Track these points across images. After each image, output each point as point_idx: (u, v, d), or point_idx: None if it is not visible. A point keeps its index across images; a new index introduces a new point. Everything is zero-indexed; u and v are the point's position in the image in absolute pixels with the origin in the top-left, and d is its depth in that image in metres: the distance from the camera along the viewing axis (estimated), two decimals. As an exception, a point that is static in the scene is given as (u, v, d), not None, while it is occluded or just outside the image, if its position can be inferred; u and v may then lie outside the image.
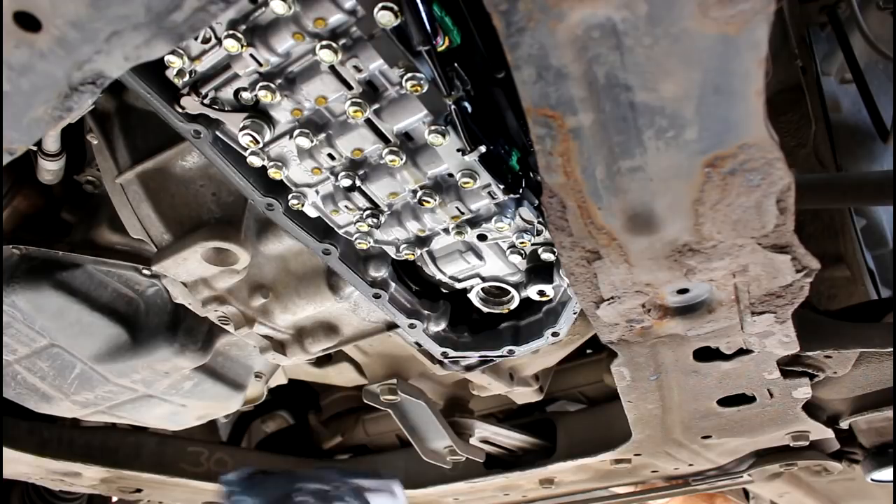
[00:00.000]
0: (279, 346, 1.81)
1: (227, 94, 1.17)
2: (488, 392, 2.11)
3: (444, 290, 1.66)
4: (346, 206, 1.32)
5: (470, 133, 1.12)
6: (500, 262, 1.45)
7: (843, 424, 1.92)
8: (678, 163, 0.91)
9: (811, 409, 1.78)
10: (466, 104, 1.12)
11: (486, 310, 1.59)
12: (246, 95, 1.16)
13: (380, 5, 0.93)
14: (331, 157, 1.22)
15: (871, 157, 2.17)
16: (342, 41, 1.02)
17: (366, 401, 2.05)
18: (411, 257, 1.42)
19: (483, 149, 1.14)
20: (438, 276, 1.51)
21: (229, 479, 0.82)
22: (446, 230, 1.34)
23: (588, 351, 2.45)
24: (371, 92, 1.11)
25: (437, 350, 1.68)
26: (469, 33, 1.08)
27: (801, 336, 1.34)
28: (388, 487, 0.94)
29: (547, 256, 1.40)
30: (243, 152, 1.26)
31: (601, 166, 0.93)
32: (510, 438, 2.40)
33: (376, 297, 1.53)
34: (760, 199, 0.95)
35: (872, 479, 2.06)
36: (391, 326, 1.72)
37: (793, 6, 1.95)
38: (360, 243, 1.41)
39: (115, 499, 3.11)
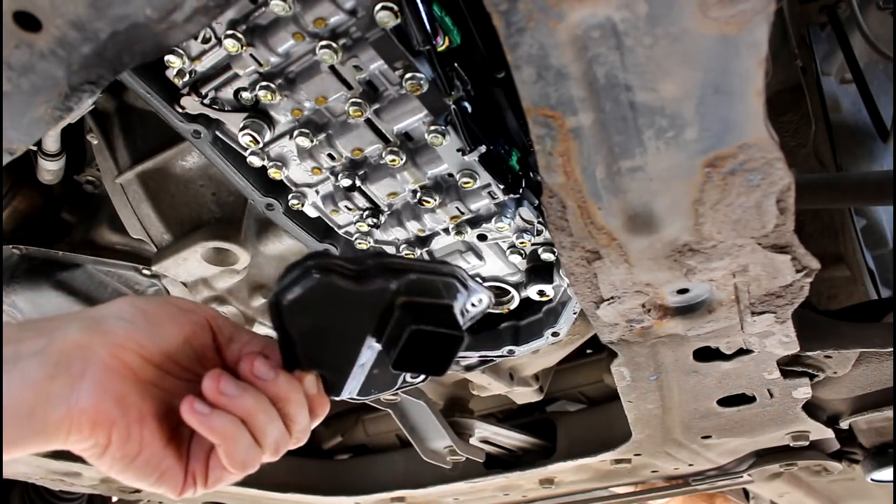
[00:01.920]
0: (279, 346, 1.81)
1: (227, 94, 1.17)
2: (488, 392, 2.11)
3: (444, 290, 1.65)
4: (346, 206, 1.32)
5: (470, 133, 1.12)
6: (500, 262, 1.45)
7: (843, 424, 1.92)
8: (678, 163, 0.91)
9: (811, 409, 1.78)
10: (466, 104, 1.12)
11: (486, 310, 1.59)
12: (246, 95, 1.16)
13: (380, 5, 0.93)
14: (331, 157, 1.23)
15: (871, 157, 2.17)
16: (342, 41, 1.02)
17: (366, 401, 2.04)
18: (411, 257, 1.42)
19: (483, 149, 1.14)
20: (438, 276, 1.51)
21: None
22: (446, 230, 1.34)
23: (588, 351, 2.45)
24: (371, 92, 1.11)
25: (437, 350, 1.67)
26: (469, 33, 1.08)
27: (801, 336, 1.34)
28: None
29: (547, 256, 1.40)
30: (243, 152, 1.26)
31: (601, 166, 0.93)
32: (510, 438, 2.40)
33: (376, 297, 1.53)
34: (760, 199, 0.95)
35: (872, 479, 2.06)
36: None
37: (793, 6, 1.95)
38: (360, 243, 1.41)
39: (115, 499, 3.11)
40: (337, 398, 0.87)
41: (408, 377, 0.93)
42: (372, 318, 0.83)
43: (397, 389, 0.94)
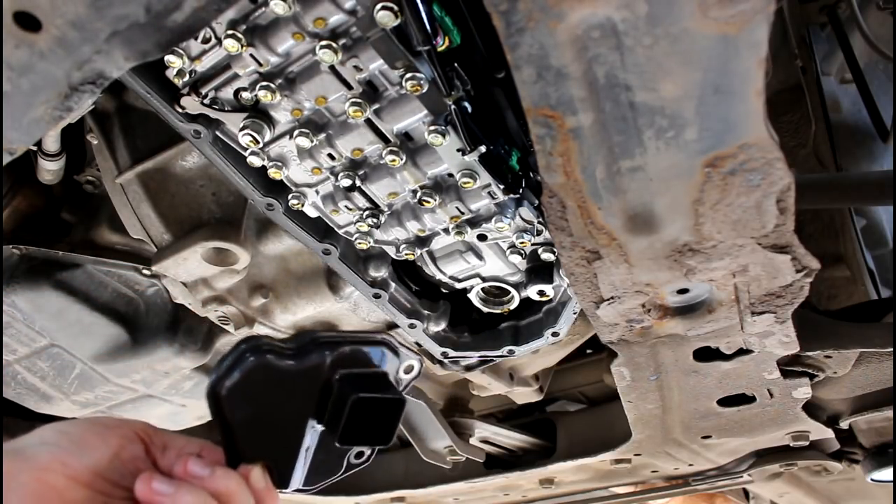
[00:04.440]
0: (279, 346, 1.81)
1: (227, 94, 1.17)
2: (488, 392, 2.11)
3: (444, 290, 1.66)
4: (346, 206, 1.32)
5: (470, 133, 1.12)
6: (500, 262, 1.45)
7: (843, 424, 1.92)
8: (678, 163, 0.91)
9: (811, 409, 1.78)
10: (466, 104, 1.12)
11: (486, 310, 1.59)
12: (246, 95, 1.16)
13: (380, 5, 0.93)
14: (331, 157, 1.23)
15: (871, 157, 2.17)
16: (342, 41, 1.02)
17: (366, 401, 2.04)
18: (411, 257, 1.42)
19: (483, 149, 1.14)
20: (438, 276, 1.51)
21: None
22: (446, 230, 1.34)
23: (588, 351, 2.45)
24: (371, 92, 1.11)
25: (437, 350, 1.68)
26: (469, 33, 1.08)
27: (801, 336, 1.34)
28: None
29: (547, 256, 1.40)
30: (243, 152, 1.26)
31: (601, 166, 0.93)
32: (510, 438, 2.40)
33: (376, 297, 1.53)
34: (760, 199, 0.95)
35: (872, 479, 2.06)
36: (391, 326, 1.72)
37: (793, 6, 1.95)
38: (360, 243, 1.41)
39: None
40: (286, 491, 0.86)
41: (352, 458, 0.93)
42: (311, 396, 0.84)
43: (342, 474, 0.93)
